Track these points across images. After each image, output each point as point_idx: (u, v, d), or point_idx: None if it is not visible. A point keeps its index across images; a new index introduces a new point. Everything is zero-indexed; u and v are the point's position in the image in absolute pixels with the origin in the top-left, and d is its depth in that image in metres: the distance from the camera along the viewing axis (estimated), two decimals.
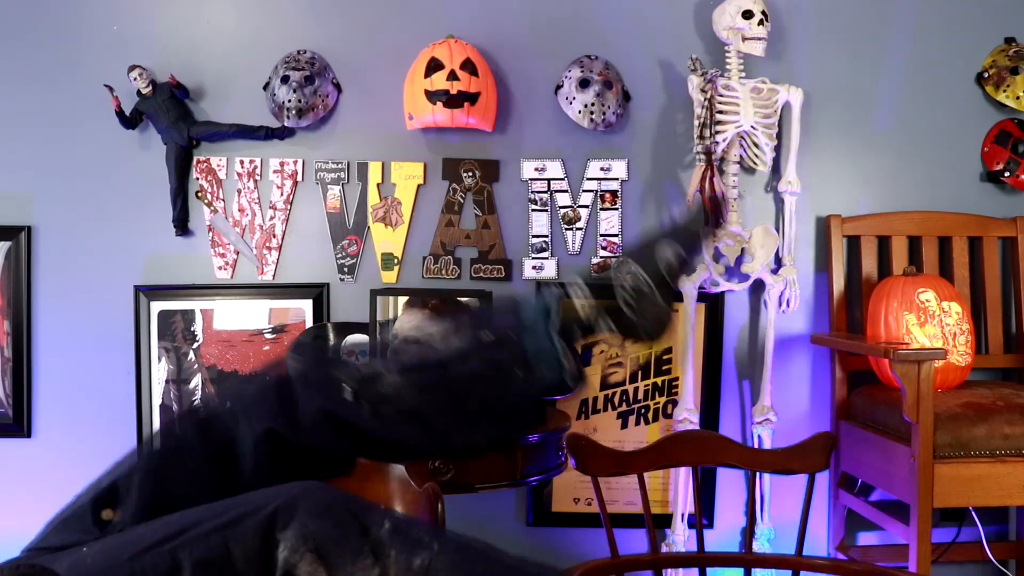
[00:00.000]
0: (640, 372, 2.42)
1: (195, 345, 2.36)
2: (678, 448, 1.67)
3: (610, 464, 1.63)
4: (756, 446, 2.34)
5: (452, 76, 2.21)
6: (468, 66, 2.24)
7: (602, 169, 2.42)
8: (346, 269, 2.40)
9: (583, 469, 1.60)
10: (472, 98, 2.23)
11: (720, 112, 2.25)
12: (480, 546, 1.00)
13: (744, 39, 2.27)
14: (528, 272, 2.41)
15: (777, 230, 2.41)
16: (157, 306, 2.36)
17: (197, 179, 2.37)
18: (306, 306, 2.37)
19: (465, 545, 0.99)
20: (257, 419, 1.12)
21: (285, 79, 2.29)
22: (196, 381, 2.36)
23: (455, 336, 1.19)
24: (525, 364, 1.15)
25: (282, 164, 2.38)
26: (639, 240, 1.36)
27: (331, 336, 2.19)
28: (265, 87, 2.35)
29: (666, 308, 1.25)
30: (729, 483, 2.45)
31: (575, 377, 1.17)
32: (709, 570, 1.69)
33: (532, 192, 2.42)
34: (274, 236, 2.38)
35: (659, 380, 2.42)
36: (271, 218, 2.38)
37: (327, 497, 0.97)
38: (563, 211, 2.42)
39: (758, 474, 2.37)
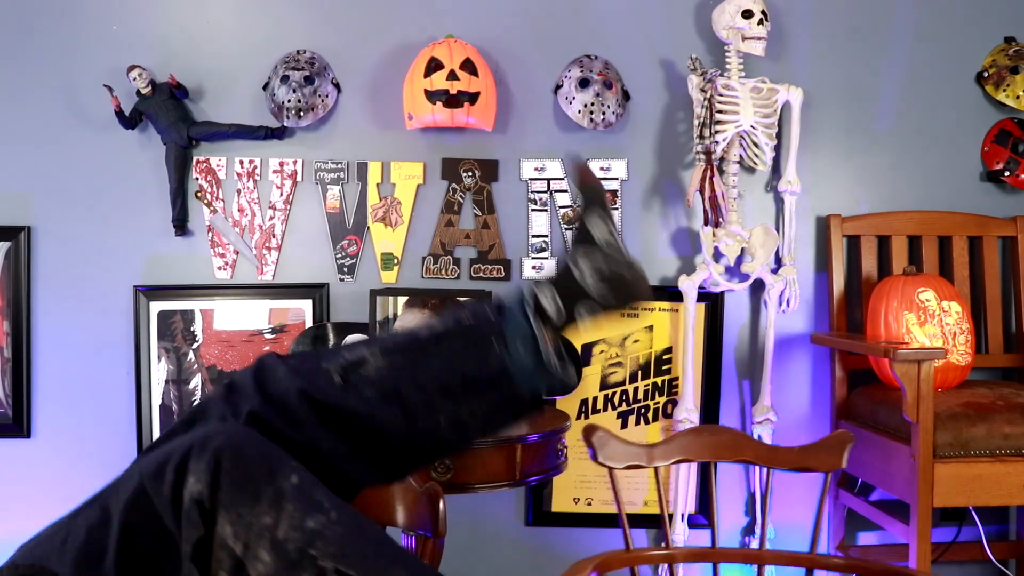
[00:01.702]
0: (640, 372, 2.42)
1: (195, 345, 2.36)
2: (696, 443, 1.65)
3: (626, 456, 1.61)
4: None
5: (452, 76, 2.21)
6: (468, 66, 2.24)
7: (602, 169, 2.42)
8: (346, 269, 2.40)
9: (599, 460, 1.58)
10: (472, 98, 2.23)
11: (720, 112, 2.25)
12: (376, 531, 1.00)
13: (744, 39, 2.27)
14: (528, 272, 2.41)
15: (777, 230, 2.41)
16: (157, 306, 2.36)
17: (197, 179, 2.37)
18: (306, 306, 2.37)
19: (360, 524, 0.98)
20: (243, 399, 1.06)
21: (285, 79, 2.29)
22: (196, 381, 2.36)
23: (437, 321, 1.18)
24: (502, 338, 1.14)
25: (282, 164, 2.38)
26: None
27: (331, 336, 2.18)
28: (265, 87, 2.35)
29: (637, 269, 1.22)
30: (728, 482, 2.45)
31: (555, 366, 1.14)
32: (696, 567, 1.69)
33: (532, 192, 2.42)
34: (274, 236, 2.38)
35: (659, 380, 2.42)
36: (271, 218, 2.38)
37: (243, 438, 0.97)
38: (563, 211, 2.42)
39: (763, 473, 2.38)
